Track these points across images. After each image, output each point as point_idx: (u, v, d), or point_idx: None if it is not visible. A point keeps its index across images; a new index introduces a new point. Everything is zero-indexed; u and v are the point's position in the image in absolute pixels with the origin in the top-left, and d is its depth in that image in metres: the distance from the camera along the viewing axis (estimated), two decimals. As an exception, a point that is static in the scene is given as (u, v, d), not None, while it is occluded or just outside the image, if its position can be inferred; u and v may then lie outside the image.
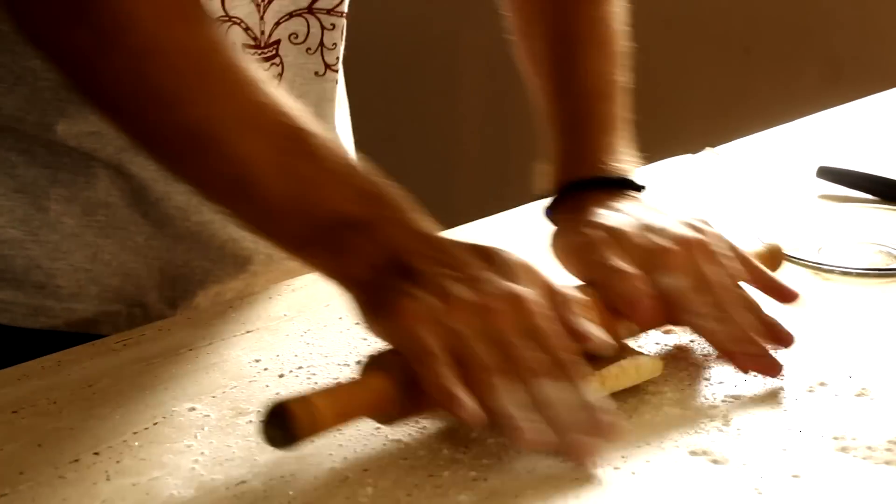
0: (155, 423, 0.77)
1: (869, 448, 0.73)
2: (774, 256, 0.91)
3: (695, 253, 0.83)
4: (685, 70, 2.44)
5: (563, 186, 0.91)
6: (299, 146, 0.77)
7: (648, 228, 0.85)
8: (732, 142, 1.33)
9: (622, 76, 0.98)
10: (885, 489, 0.69)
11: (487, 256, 0.76)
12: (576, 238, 0.86)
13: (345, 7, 0.99)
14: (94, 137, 0.93)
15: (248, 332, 0.89)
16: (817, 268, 0.99)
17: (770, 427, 0.75)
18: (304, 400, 0.68)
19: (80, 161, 0.94)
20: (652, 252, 0.83)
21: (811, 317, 0.90)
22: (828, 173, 1.19)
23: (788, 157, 1.30)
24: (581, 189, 0.90)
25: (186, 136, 0.77)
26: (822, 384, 0.80)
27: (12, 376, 0.83)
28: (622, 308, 0.80)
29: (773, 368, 0.81)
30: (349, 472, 0.71)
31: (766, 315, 0.83)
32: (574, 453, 0.71)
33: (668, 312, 0.82)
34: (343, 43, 1.00)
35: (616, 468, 0.71)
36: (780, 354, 0.83)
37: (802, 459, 0.72)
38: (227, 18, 0.92)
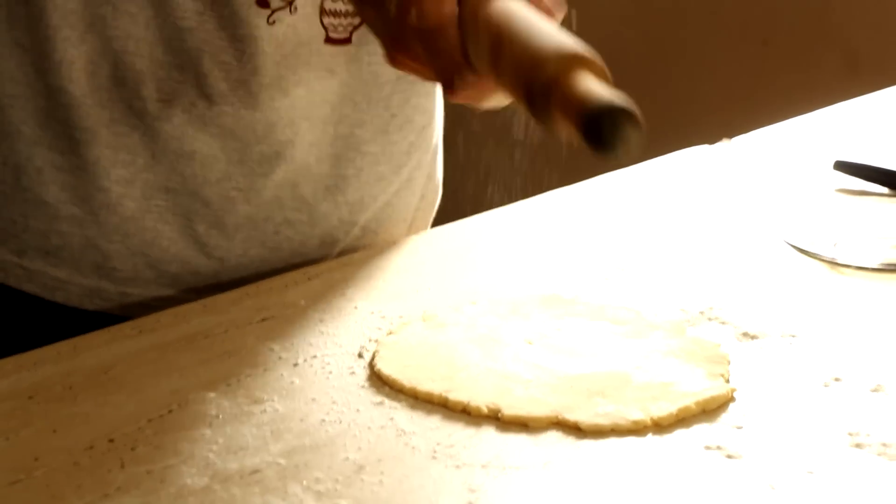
0: (170, 411, 0.77)
1: (884, 445, 0.73)
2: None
3: None
4: (702, 61, 2.43)
5: None
6: None
7: None
8: (749, 133, 1.33)
9: None
10: (899, 486, 0.69)
11: None
12: None
13: None
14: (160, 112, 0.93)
15: (263, 319, 0.89)
16: (833, 263, 0.98)
17: (785, 422, 0.75)
18: None
19: (141, 142, 0.94)
20: None
21: (827, 312, 0.90)
22: (845, 166, 1.18)
23: (805, 149, 1.30)
24: None
25: None
26: (836, 379, 0.80)
27: (28, 361, 0.84)
28: None
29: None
30: (364, 461, 0.71)
31: None
32: None
33: None
34: None
35: (629, 462, 0.71)
36: (796, 349, 0.83)
37: (817, 455, 0.72)
38: None
